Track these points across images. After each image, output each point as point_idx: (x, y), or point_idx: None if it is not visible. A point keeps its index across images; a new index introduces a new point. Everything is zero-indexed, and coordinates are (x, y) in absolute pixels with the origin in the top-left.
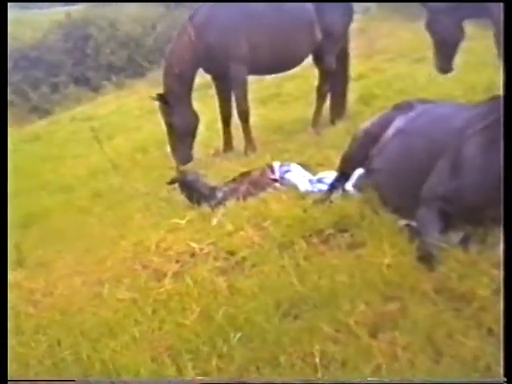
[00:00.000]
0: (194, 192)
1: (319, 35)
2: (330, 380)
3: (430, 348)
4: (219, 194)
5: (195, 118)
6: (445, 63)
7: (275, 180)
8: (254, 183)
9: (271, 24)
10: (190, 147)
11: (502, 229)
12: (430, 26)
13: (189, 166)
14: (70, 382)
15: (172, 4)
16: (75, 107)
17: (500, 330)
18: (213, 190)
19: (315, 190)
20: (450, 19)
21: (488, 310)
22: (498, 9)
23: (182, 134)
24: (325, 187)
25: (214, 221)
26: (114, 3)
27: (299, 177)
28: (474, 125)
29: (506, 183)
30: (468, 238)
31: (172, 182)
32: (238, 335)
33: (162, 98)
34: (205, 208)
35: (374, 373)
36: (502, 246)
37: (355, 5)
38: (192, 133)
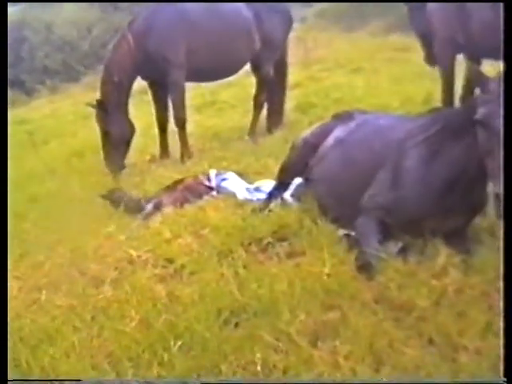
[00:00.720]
0: (125, 207)
1: (258, 43)
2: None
3: (370, 357)
4: (149, 205)
5: (131, 128)
6: (431, 57)
7: (211, 188)
8: (189, 190)
9: (210, 31)
10: (124, 156)
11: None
12: (412, 23)
13: (125, 172)
14: (70, 382)
15: (109, 8)
16: (9, 110)
17: (500, 331)
18: (139, 202)
19: (254, 198)
20: (425, 15)
21: (427, 320)
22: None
23: (116, 143)
24: (263, 196)
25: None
26: (50, 3)
27: (236, 185)
28: (415, 137)
29: (506, 183)
30: (407, 248)
31: (104, 198)
32: (179, 343)
33: (100, 104)
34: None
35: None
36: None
37: (292, 13)
38: (127, 142)
